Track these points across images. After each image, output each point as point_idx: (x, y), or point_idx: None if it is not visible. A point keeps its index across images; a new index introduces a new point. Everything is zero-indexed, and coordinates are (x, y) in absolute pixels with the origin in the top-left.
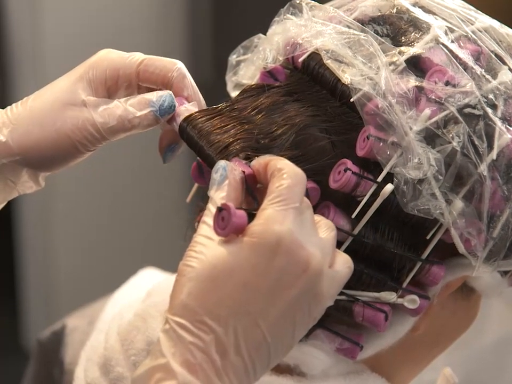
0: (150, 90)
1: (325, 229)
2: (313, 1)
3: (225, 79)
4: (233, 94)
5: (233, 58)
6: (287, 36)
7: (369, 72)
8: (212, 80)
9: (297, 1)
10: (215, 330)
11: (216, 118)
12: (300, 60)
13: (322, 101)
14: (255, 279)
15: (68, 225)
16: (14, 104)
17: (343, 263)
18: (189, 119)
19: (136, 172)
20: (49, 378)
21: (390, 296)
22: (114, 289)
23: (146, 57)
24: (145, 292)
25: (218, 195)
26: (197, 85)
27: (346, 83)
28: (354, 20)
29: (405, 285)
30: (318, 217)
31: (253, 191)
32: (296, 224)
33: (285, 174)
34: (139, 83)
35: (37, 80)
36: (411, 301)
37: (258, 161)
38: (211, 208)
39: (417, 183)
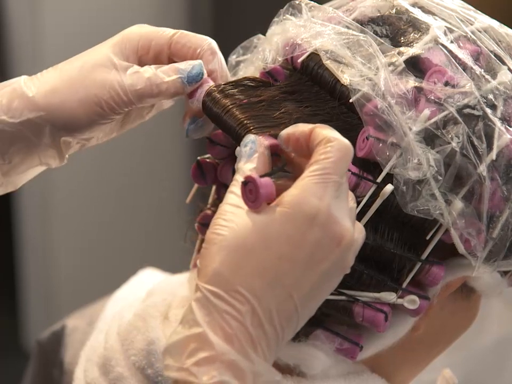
0: None
1: (350, 198)
2: (312, 2)
3: None
4: None
5: (232, 58)
6: (286, 37)
7: (369, 73)
8: None
9: (297, 2)
10: (250, 300)
11: (236, 95)
12: (299, 60)
13: (321, 101)
14: (290, 251)
15: (68, 225)
16: (44, 70)
17: (359, 232)
18: (212, 93)
19: (136, 172)
20: (48, 379)
21: (390, 297)
22: (114, 289)
23: (179, 31)
24: (145, 292)
25: (248, 167)
26: None
27: (345, 84)
28: (353, 20)
29: (404, 285)
30: None
31: (286, 163)
32: (334, 199)
33: (333, 146)
34: (170, 56)
35: None
36: (411, 301)
37: (299, 129)
38: (238, 179)
39: (417, 184)
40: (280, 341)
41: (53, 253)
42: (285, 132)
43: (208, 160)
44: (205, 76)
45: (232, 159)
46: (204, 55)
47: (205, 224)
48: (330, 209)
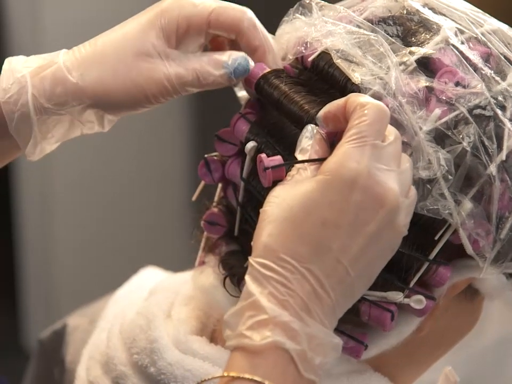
0: (218, 38)
1: (404, 160)
2: (323, 1)
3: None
4: (240, 94)
5: None
6: (296, 35)
7: (380, 72)
8: None
9: (307, 1)
10: (297, 267)
11: (286, 83)
12: (310, 59)
13: (332, 99)
14: (333, 216)
15: (68, 225)
16: (81, 45)
17: (406, 193)
18: (265, 77)
19: (136, 172)
20: (50, 378)
21: (396, 296)
22: (115, 289)
23: (217, 4)
24: (147, 290)
25: (301, 157)
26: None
27: (356, 82)
28: (364, 20)
29: (411, 285)
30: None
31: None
32: (374, 161)
33: (367, 110)
34: (209, 30)
35: None
36: (417, 301)
37: (333, 104)
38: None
39: (427, 183)
40: (335, 306)
41: (53, 253)
42: (322, 112)
43: (215, 157)
44: (251, 67)
45: (240, 156)
46: (245, 31)
47: (211, 222)
48: (371, 171)
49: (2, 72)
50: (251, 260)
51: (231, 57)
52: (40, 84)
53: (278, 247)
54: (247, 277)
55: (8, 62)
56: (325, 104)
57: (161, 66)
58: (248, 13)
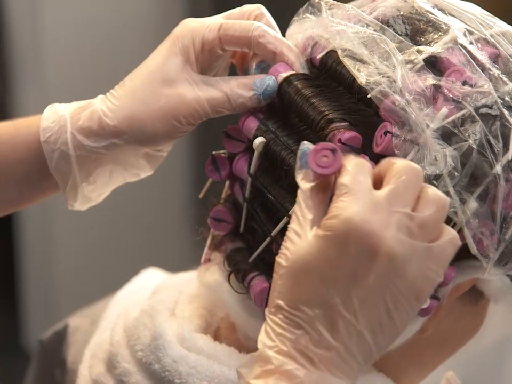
0: (241, 52)
1: (429, 205)
2: (332, 0)
3: None
4: None
5: None
6: (305, 36)
7: (386, 70)
8: None
9: (316, 0)
10: (302, 324)
11: (308, 87)
12: (318, 57)
13: (340, 96)
14: (330, 272)
15: (69, 225)
16: (112, 90)
17: (446, 238)
18: (288, 79)
19: None
20: (51, 379)
21: None
22: (115, 290)
23: (224, 21)
24: (150, 290)
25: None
26: None
27: (361, 84)
28: (373, 19)
29: None
30: (424, 191)
31: None
32: (370, 210)
33: (348, 167)
34: (224, 47)
35: (37, 81)
36: None
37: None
38: (301, 201)
39: (434, 180)
40: (348, 356)
41: (53, 253)
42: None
43: (222, 154)
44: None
45: (248, 152)
46: (255, 42)
47: (218, 219)
48: (360, 221)
49: (43, 114)
50: (266, 313)
51: (260, 79)
52: (79, 123)
53: (285, 304)
54: (262, 329)
55: (50, 106)
56: (339, 110)
57: (190, 90)
58: (255, 24)
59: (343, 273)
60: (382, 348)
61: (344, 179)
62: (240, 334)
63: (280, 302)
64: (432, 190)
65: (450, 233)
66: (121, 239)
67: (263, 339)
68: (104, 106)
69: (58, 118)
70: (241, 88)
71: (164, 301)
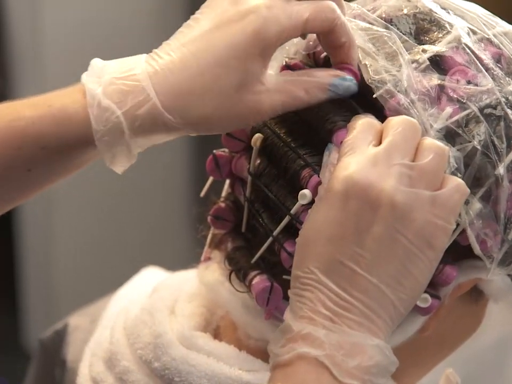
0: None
1: (426, 153)
2: None
3: None
4: None
5: None
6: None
7: (392, 69)
8: None
9: None
10: (316, 286)
11: None
12: (322, 56)
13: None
14: (336, 230)
15: (69, 225)
16: (166, 65)
17: (451, 185)
18: None
19: (137, 172)
20: (51, 378)
21: None
22: (115, 289)
23: (309, 12)
24: (151, 288)
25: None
26: None
27: (368, 80)
28: (377, 17)
29: None
30: (421, 142)
31: None
32: (366, 163)
33: (352, 127)
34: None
35: (37, 80)
36: (423, 300)
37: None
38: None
39: None
40: (370, 312)
41: (53, 253)
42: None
43: (223, 153)
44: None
45: (248, 151)
46: (336, 31)
47: (218, 217)
48: (358, 175)
49: (87, 93)
50: (288, 292)
51: (338, 80)
52: (137, 127)
53: (299, 272)
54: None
55: (88, 91)
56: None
57: (266, 97)
58: (337, 11)
59: (348, 229)
60: (406, 302)
61: (347, 138)
62: (240, 333)
63: (296, 271)
64: (429, 140)
65: (455, 180)
66: (121, 238)
67: (286, 313)
68: (163, 97)
69: (113, 121)
70: (318, 89)
71: (163, 299)
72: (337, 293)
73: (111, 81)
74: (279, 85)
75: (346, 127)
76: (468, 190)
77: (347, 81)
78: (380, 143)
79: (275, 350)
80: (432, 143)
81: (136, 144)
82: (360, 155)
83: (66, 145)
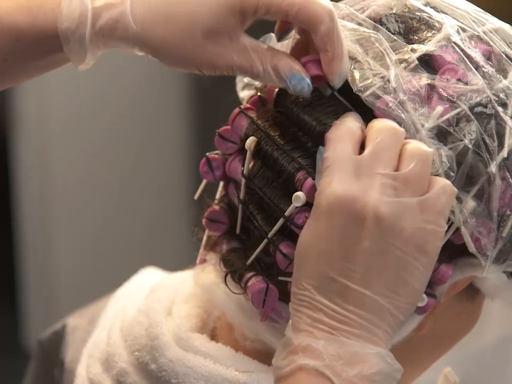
0: None
1: (410, 160)
2: None
3: (225, 82)
4: (242, 94)
5: None
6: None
7: (381, 70)
8: (211, 85)
9: None
10: (311, 302)
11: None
12: None
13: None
14: (324, 246)
15: (68, 225)
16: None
17: (436, 187)
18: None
19: (136, 173)
20: (49, 379)
21: None
22: (115, 289)
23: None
24: (148, 289)
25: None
26: (196, 90)
27: (354, 90)
28: (366, 18)
29: None
30: (404, 148)
31: None
32: (347, 177)
33: (328, 142)
34: (285, 19)
35: (37, 80)
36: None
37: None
38: None
39: None
40: (367, 324)
41: (53, 253)
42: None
43: (217, 155)
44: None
45: (241, 153)
46: (321, 35)
47: (212, 220)
48: (340, 191)
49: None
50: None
51: (296, 78)
52: (101, 25)
53: (296, 288)
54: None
55: None
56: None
57: (227, 54)
58: (330, 18)
59: (336, 244)
60: (404, 309)
61: (326, 152)
62: (237, 334)
63: (293, 288)
64: (411, 145)
65: (440, 182)
66: (121, 239)
67: (287, 328)
68: (136, 8)
69: (82, 11)
70: (275, 74)
71: (160, 300)
72: (332, 308)
73: None
74: (245, 49)
75: None
76: (455, 190)
77: (303, 84)
78: (362, 150)
79: (277, 363)
80: (415, 148)
81: (94, 44)
82: (341, 169)
83: (40, 39)
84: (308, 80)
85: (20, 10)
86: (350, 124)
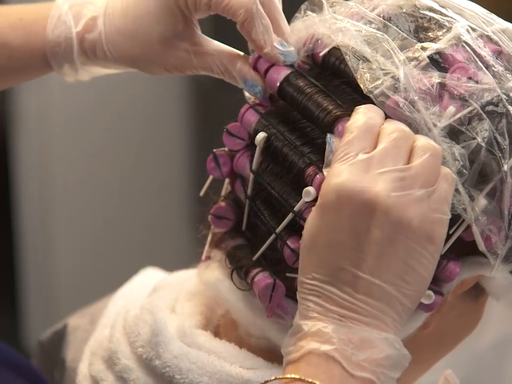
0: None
1: (419, 154)
2: None
3: (225, 82)
4: (248, 95)
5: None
6: (307, 32)
7: (391, 68)
8: (211, 85)
9: None
10: (321, 291)
11: (309, 85)
12: (321, 54)
13: (343, 94)
14: (333, 237)
15: (68, 225)
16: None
17: (440, 177)
18: (287, 80)
19: (136, 172)
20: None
21: None
22: (115, 289)
23: None
24: (150, 288)
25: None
26: (196, 90)
27: (364, 92)
28: (376, 16)
29: None
30: (415, 145)
31: None
32: (357, 170)
33: (348, 130)
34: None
35: (37, 80)
36: (426, 296)
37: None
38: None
39: None
40: (372, 311)
41: (53, 253)
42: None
43: (223, 152)
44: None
45: (249, 149)
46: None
47: (218, 216)
48: (350, 182)
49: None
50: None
51: (251, 86)
52: (83, 46)
53: (303, 277)
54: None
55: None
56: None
57: (187, 56)
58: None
59: (346, 235)
60: (413, 297)
61: (342, 143)
62: (241, 331)
63: (300, 277)
64: (421, 141)
65: (443, 171)
66: (121, 239)
67: (296, 316)
68: (108, 33)
69: (67, 35)
70: (237, 73)
71: (164, 298)
72: (341, 296)
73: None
74: (204, 52)
75: (344, 117)
76: (455, 178)
77: (255, 90)
78: (374, 147)
79: (286, 350)
80: (425, 143)
81: (82, 64)
82: (353, 162)
83: (34, 56)
84: (259, 87)
85: (12, 28)
86: (372, 115)
